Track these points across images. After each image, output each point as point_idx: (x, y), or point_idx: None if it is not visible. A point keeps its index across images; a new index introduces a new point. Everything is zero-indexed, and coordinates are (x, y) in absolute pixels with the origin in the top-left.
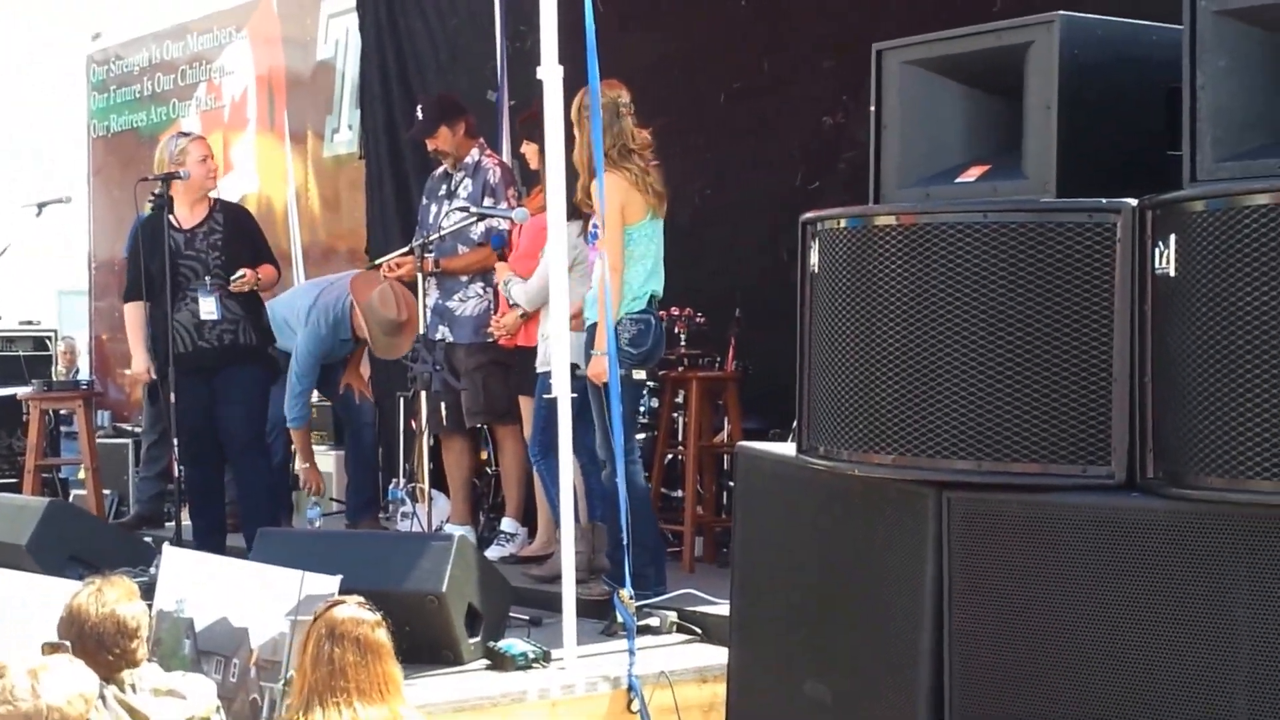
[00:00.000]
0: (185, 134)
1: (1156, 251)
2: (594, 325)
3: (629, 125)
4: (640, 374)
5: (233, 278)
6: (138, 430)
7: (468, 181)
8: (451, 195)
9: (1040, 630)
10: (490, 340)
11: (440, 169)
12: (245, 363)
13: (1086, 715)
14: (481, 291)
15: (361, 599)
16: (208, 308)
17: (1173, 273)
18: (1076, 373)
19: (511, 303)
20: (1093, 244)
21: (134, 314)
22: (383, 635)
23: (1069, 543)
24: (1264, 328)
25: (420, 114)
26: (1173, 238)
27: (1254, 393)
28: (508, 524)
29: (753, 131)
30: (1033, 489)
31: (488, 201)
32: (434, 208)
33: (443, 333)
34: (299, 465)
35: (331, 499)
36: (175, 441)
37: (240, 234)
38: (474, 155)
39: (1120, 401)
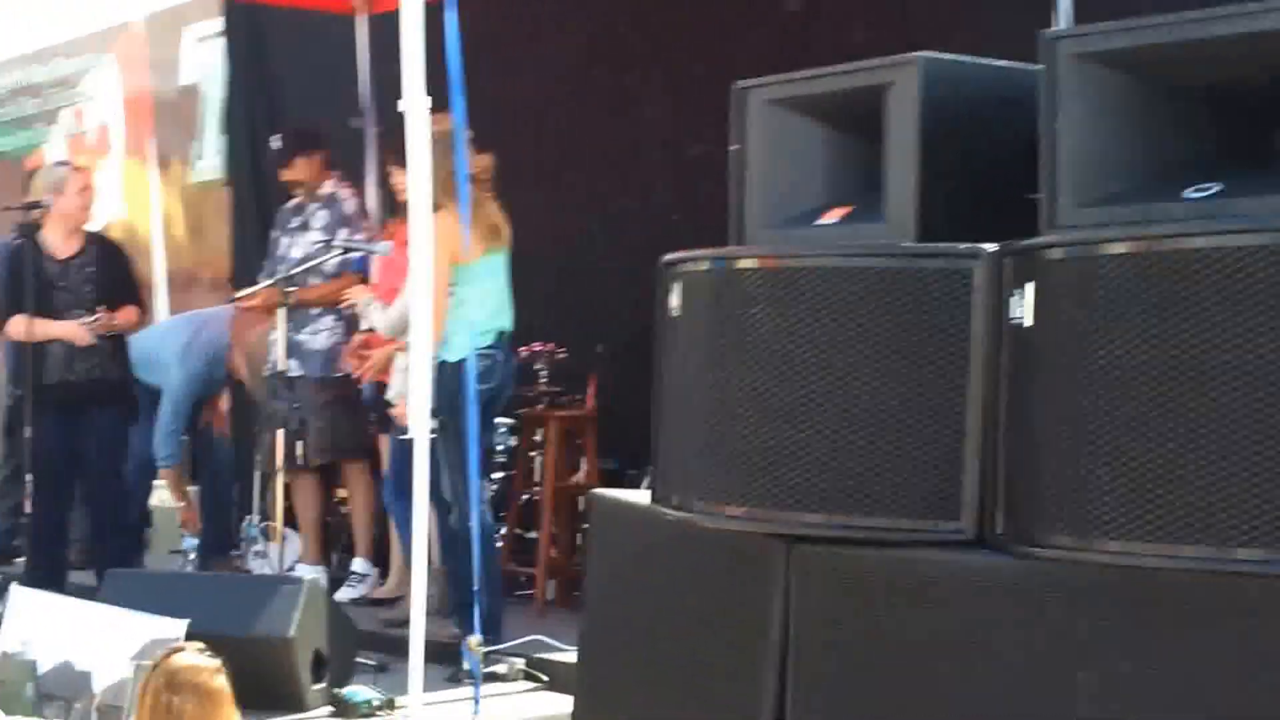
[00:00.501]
0: (65, 163)
1: (1013, 300)
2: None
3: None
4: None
5: (88, 320)
6: None
7: (322, 213)
8: (305, 227)
9: (887, 685)
10: (340, 376)
11: (293, 201)
12: (109, 400)
13: None
14: (332, 324)
15: (201, 645)
16: (91, 341)
17: (1029, 322)
18: (929, 424)
19: (366, 326)
20: (950, 291)
21: (24, 319)
22: (222, 682)
23: (917, 598)
24: (1118, 384)
25: (278, 144)
26: (1029, 286)
27: (1103, 450)
28: (359, 564)
29: (617, 164)
30: (882, 544)
31: (343, 233)
32: (285, 240)
33: (291, 366)
34: (176, 503)
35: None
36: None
37: (113, 269)
38: (328, 187)
39: (972, 455)
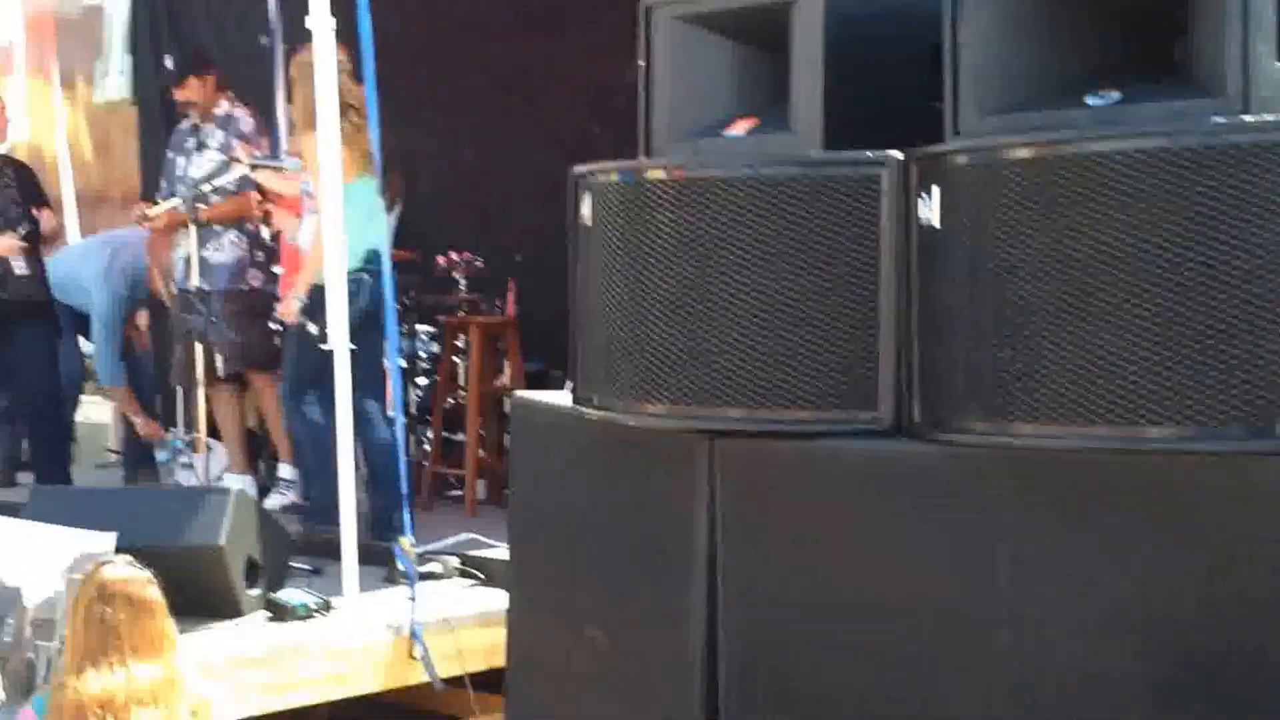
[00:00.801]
0: None
1: (921, 203)
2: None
3: (345, 82)
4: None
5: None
6: None
7: (218, 132)
8: (202, 147)
9: (812, 572)
10: (246, 289)
11: (186, 122)
12: (40, 318)
13: (857, 653)
14: (235, 239)
15: (130, 558)
16: (20, 264)
17: (936, 224)
18: (844, 320)
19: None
20: (859, 196)
21: None
22: (154, 592)
23: (838, 486)
24: (1024, 277)
25: (170, 65)
26: (936, 190)
27: (1014, 340)
28: (285, 470)
29: (534, 76)
30: (803, 435)
31: (240, 152)
32: (181, 160)
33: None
34: (138, 422)
35: (108, 449)
36: None
37: (28, 186)
38: (223, 106)
39: (887, 349)
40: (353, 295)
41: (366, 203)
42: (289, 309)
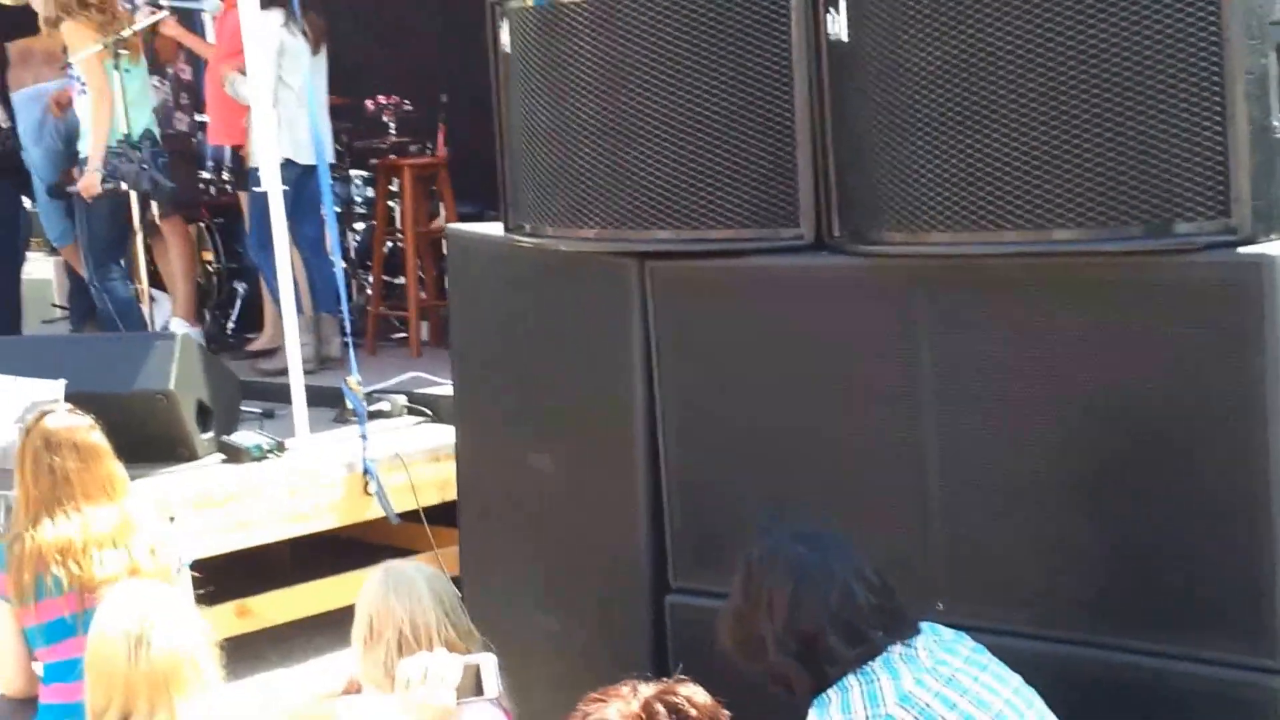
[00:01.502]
0: None
1: (829, 18)
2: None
3: None
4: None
5: None
6: None
7: None
8: None
9: (745, 388)
10: (174, 133)
11: None
12: (9, 175)
13: (790, 466)
14: (159, 83)
15: (70, 405)
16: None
17: (845, 37)
18: (762, 139)
19: (243, 102)
20: (768, 12)
21: None
22: (98, 437)
23: (764, 303)
24: (930, 86)
25: None
26: (842, 3)
27: (925, 149)
28: (177, 325)
29: None
30: (729, 254)
31: None
32: None
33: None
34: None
35: (54, 305)
36: None
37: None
38: None
39: (804, 165)
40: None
41: (132, 86)
42: (91, 184)
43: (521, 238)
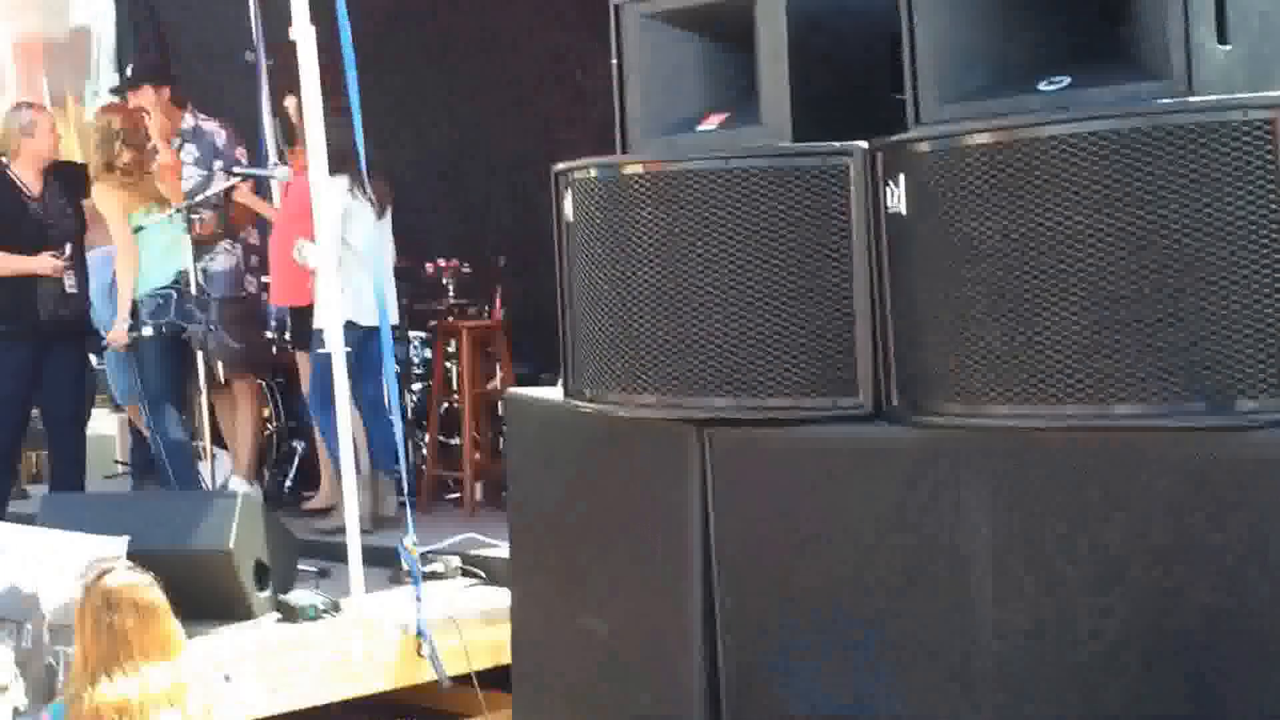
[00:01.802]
0: (30, 104)
1: (888, 191)
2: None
3: (118, 148)
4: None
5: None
6: None
7: (190, 146)
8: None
9: (801, 556)
10: (244, 295)
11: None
12: (81, 336)
13: (848, 631)
14: (229, 247)
15: (130, 563)
16: (70, 281)
17: (904, 211)
18: (821, 309)
19: (310, 267)
20: (828, 186)
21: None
22: (157, 595)
23: (823, 472)
24: (991, 261)
25: (128, 72)
26: (902, 178)
27: (985, 322)
28: (236, 483)
29: (510, 86)
30: (788, 422)
31: (218, 165)
32: None
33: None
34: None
35: (116, 461)
36: None
37: (77, 195)
38: (189, 121)
39: (863, 336)
40: (161, 309)
41: (164, 236)
42: (118, 336)
43: (581, 403)
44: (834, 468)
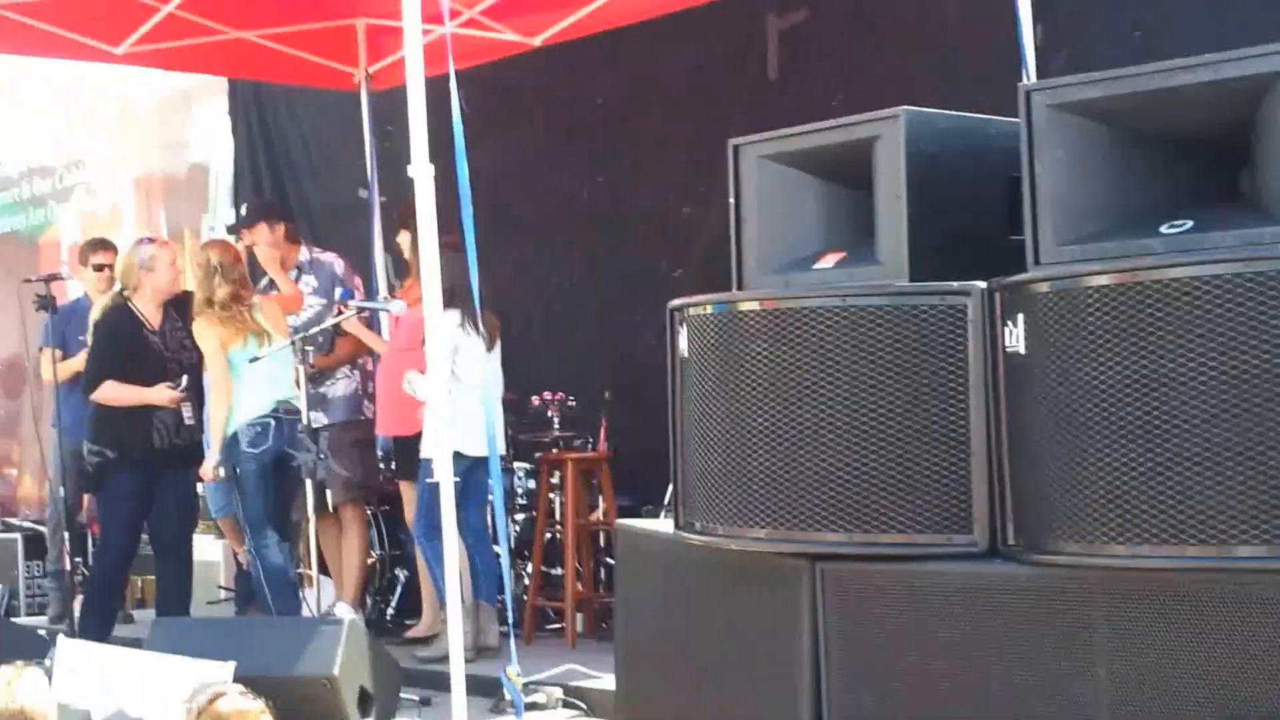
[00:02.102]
0: (152, 239)
1: (1006, 330)
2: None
3: (216, 283)
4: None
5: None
6: (26, 525)
7: (309, 278)
8: None
9: (915, 694)
10: (362, 419)
11: (265, 280)
12: (194, 463)
13: None
14: (348, 372)
15: (243, 688)
16: (188, 412)
17: (1023, 350)
18: (936, 447)
19: (420, 398)
20: (945, 325)
21: (116, 386)
22: None
23: (938, 609)
24: (1111, 400)
25: (243, 210)
26: (1021, 317)
27: (1104, 462)
28: (341, 609)
29: (615, 221)
30: (901, 558)
31: (338, 293)
32: None
33: (316, 418)
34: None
35: (219, 586)
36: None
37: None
38: (305, 254)
39: (979, 473)
40: (260, 436)
41: (268, 367)
42: (207, 469)
43: (692, 535)
44: (949, 605)
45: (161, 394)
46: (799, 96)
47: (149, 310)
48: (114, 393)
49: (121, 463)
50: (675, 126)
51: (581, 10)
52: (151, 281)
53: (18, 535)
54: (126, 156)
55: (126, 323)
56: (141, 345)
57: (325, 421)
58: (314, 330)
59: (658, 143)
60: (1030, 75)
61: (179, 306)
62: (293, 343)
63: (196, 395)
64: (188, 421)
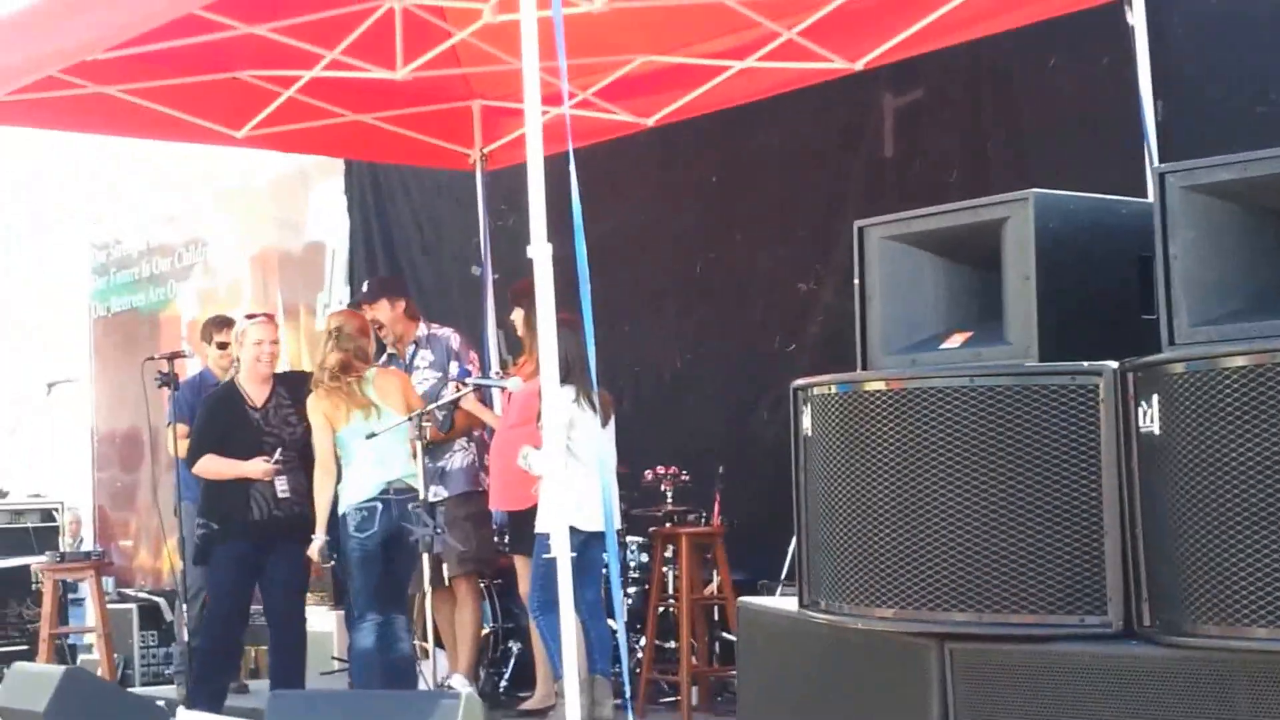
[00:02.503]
0: (251, 316)
1: (1140, 411)
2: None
3: (327, 350)
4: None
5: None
6: (142, 595)
7: (424, 352)
8: (410, 369)
9: None
10: (480, 490)
11: (385, 354)
12: (301, 536)
13: None
14: (465, 445)
15: None
16: (282, 485)
17: (1157, 431)
18: (1068, 526)
19: (536, 473)
20: (1077, 405)
21: (214, 459)
22: None
23: (1071, 691)
24: (1250, 482)
25: (365, 286)
26: (1155, 398)
27: (1244, 543)
28: (457, 681)
29: (729, 297)
30: (1033, 639)
31: (453, 367)
32: None
33: (435, 492)
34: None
35: (334, 658)
36: (187, 606)
37: (300, 403)
38: (423, 330)
39: (1113, 553)
40: (366, 520)
41: (378, 449)
42: (314, 550)
43: (816, 614)
44: (1082, 688)
45: (255, 466)
46: (914, 174)
47: (252, 385)
48: (212, 465)
49: (224, 535)
50: (789, 203)
51: (694, 91)
52: (245, 356)
53: (134, 605)
54: (244, 234)
55: (227, 399)
56: (240, 420)
57: (444, 495)
58: (431, 407)
59: (772, 219)
60: (1152, 152)
61: (293, 383)
62: (409, 419)
63: (306, 467)
64: (281, 494)
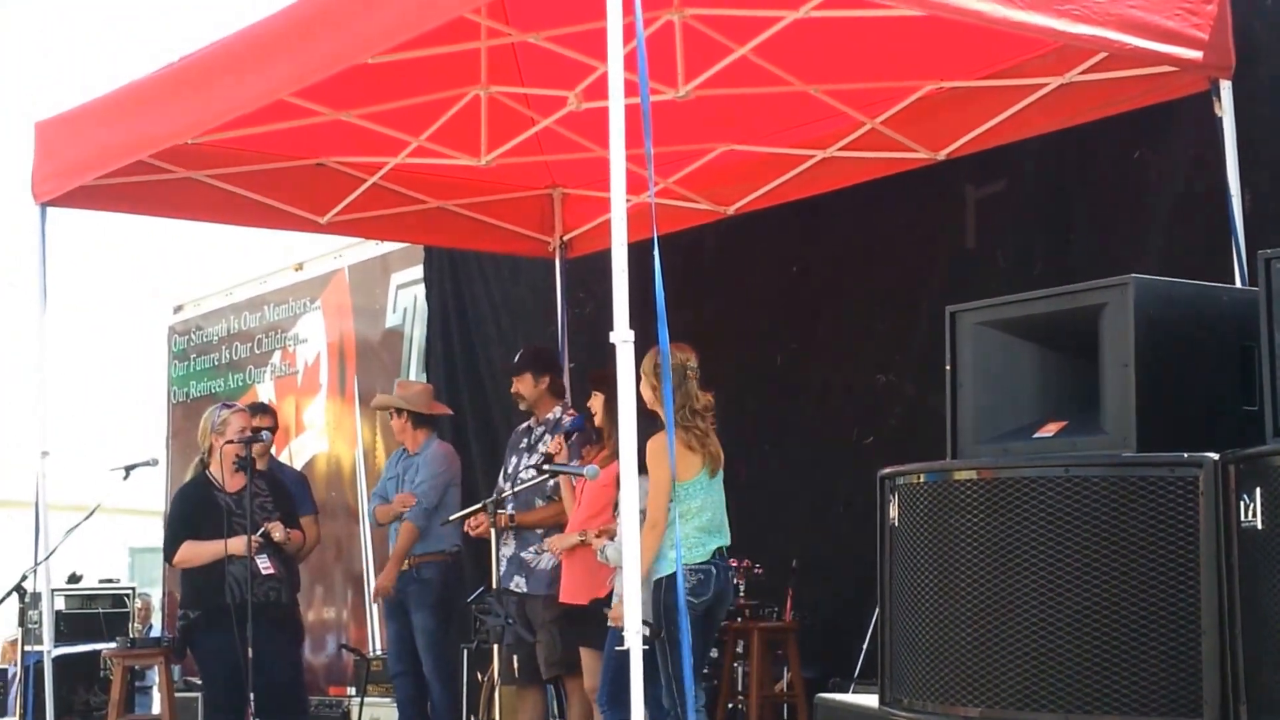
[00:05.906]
0: (229, 406)
1: (1242, 504)
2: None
3: (694, 388)
4: None
5: (270, 526)
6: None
7: (548, 437)
8: (531, 449)
9: None
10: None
11: (525, 424)
12: (282, 623)
13: None
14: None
15: None
16: (264, 562)
17: (1260, 525)
18: (1164, 625)
19: (614, 566)
20: (1175, 497)
21: (190, 545)
22: None
23: None
24: None
25: (517, 357)
26: (1258, 490)
27: None
28: None
29: (807, 389)
30: None
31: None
32: (514, 459)
33: (518, 583)
34: None
35: None
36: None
37: (281, 496)
38: (555, 413)
39: (1210, 654)
40: (701, 585)
41: (713, 497)
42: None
43: (900, 711)
44: None
45: (237, 542)
46: (997, 266)
47: (225, 473)
48: (189, 552)
49: (205, 622)
50: (869, 293)
51: (776, 180)
52: (222, 444)
53: (199, 695)
54: (323, 321)
55: (196, 486)
56: (209, 505)
57: (525, 590)
58: (520, 488)
59: (851, 309)
60: (1239, 244)
61: (279, 483)
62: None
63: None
64: (264, 571)
